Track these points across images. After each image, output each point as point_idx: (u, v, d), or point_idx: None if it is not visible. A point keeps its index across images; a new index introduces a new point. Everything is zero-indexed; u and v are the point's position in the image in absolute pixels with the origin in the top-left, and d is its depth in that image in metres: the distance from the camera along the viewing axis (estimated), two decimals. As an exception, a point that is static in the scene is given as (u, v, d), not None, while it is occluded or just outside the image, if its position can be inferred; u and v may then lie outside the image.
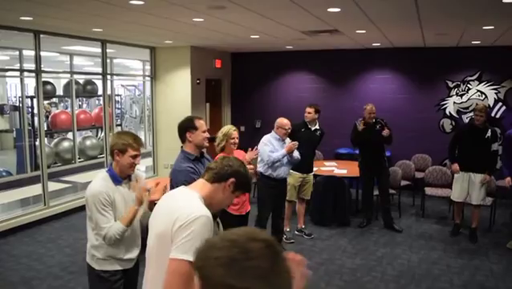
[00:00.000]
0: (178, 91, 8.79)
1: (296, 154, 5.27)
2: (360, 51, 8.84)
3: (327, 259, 5.37)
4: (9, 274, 4.92)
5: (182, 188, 2.13)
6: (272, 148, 5.20)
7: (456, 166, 5.94)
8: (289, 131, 5.33)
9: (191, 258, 1.83)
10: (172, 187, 3.20)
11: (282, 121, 5.34)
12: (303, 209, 6.23)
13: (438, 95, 8.54)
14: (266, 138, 5.31)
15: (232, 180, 2.09)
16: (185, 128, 3.40)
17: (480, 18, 5.19)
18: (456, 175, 6.05)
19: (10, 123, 10.93)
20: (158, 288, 1.88)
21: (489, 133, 5.76)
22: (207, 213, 1.93)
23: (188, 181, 3.31)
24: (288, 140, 5.38)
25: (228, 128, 4.38)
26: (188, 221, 1.86)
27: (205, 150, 3.58)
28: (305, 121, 5.92)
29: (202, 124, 3.43)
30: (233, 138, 4.33)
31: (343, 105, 9.12)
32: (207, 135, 3.46)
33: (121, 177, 2.83)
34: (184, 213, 1.89)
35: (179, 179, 3.21)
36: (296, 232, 6.19)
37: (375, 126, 6.29)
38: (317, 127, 5.95)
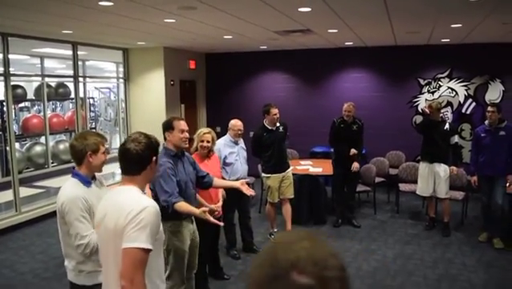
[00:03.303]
0: (152, 93, 8.71)
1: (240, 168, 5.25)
2: (334, 51, 8.91)
3: (304, 257, 5.38)
4: (-21, 283, 4.79)
5: (120, 187, 2.18)
6: (219, 153, 5.04)
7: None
8: (239, 132, 5.25)
9: (142, 245, 1.93)
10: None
11: (235, 123, 5.30)
12: (289, 212, 5.88)
13: (410, 92, 8.68)
14: (217, 143, 5.02)
15: (153, 157, 2.18)
16: (164, 127, 3.58)
17: (447, 16, 5.29)
18: (420, 169, 6.27)
19: (-21, 128, 10.62)
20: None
21: (447, 126, 6.04)
22: (154, 203, 2.06)
23: (163, 178, 3.35)
24: (242, 146, 5.34)
25: (200, 131, 4.36)
26: (137, 211, 1.96)
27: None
28: (264, 125, 5.72)
29: (180, 124, 3.53)
30: (203, 141, 4.32)
31: (317, 104, 9.18)
32: (185, 135, 3.54)
33: (89, 177, 2.73)
34: (133, 206, 1.98)
35: (160, 170, 3.31)
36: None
37: (353, 126, 6.32)
38: (278, 124, 5.75)
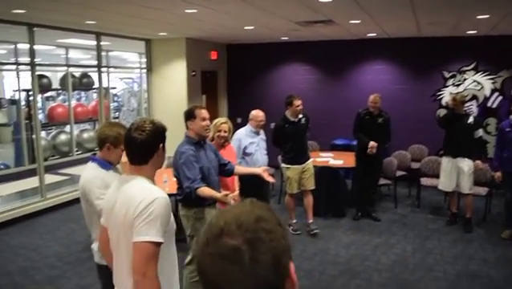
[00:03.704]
0: (174, 84, 8.78)
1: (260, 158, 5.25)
2: (355, 42, 8.80)
3: (322, 249, 5.39)
4: (6, 264, 4.96)
5: (128, 177, 2.09)
6: (239, 143, 5.11)
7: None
8: (262, 123, 5.26)
9: (153, 238, 1.87)
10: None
11: (257, 113, 5.28)
12: (310, 203, 5.92)
13: (434, 85, 8.52)
14: (238, 134, 5.16)
15: (160, 144, 2.09)
16: (186, 116, 3.66)
17: (474, 6, 5.16)
18: (443, 164, 6.10)
19: (7, 116, 10.90)
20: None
21: (471, 119, 5.86)
22: (163, 194, 1.98)
23: (186, 165, 3.43)
24: (262, 136, 5.33)
25: (217, 120, 4.39)
26: (147, 203, 1.90)
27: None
28: (286, 116, 5.71)
29: (202, 113, 3.63)
30: (220, 131, 4.36)
31: (338, 96, 9.11)
32: (207, 123, 3.67)
33: (107, 162, 2.77)
34: (142, 197, 1.92)
35: (179, 161, 3.50)
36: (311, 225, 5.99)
37: (378, 118, 6.20)
38: (300, 116, 5.73)
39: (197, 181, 3.44)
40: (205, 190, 3.43)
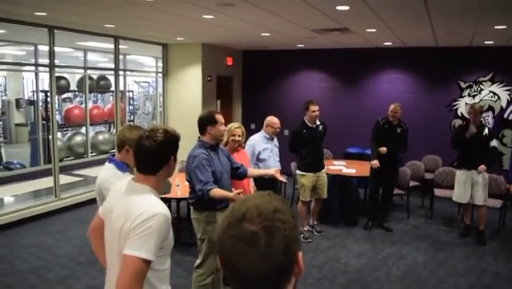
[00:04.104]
0: (190, 88, 8.84)
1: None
2: (372, 50, 8.78)
3: (332, 258, 5.36)
4: (18, 263, 5.01)
5: (131, 182, 2.00)
6: (253, 149, 5.17)
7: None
8: (277, 130, 5.30)
9: (143, 255, 1.75)
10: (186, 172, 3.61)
11: (273, 120, 5.32)
12: (318, 208, 6.15)
13: (450, 95, 8.45)
14: (252, 139, 5.21)
15: (171, 156, 1.98)
16: (206, 121, 3.66)
17: (491, 16, 5.11)
18: (457, 175, 6.01)
19: (25, 116, 11.10)
20: None
21: (486, 131, 5.77)
22: (165, 210, 1.89)
23: (198, 168, 3.46)
24: (275, 143, 5.35)
25: (231, 125, 4.43)
26: (146, 217, 1.81)
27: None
28: (304, 121, 5.74)
29: (221, 118, 3.71)
30: (234, 135, 4.41)
31: (353, 104, 9.08)
32: (225, 128, 3.81)
33: (125, 165, 2.77)
34: (143, 210, 1.83)
35: (191, 165, 3.54)
36: (308, 226, 6.17)
37: (397, 128, 6.15)
38: (317, 122, 5.79)
39: (210, 183, 3.48)
40: (216, 192, 3.47)
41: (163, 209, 1.89)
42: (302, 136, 5.70)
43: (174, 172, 2.18)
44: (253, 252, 0.89)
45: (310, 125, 5.72)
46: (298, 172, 5.88)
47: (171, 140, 1.97)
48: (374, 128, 6.26)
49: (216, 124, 3.64)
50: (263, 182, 4.73)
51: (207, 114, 3.73)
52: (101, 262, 2.23)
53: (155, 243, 1.81)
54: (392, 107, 6.13)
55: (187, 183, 3.80)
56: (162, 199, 2.03)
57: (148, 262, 1.80)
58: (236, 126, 4.48)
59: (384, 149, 6.00)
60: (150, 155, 1.93)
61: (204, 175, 3.50)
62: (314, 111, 5.64)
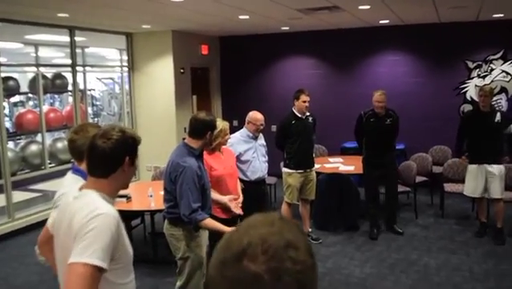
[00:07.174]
0: (160, 83, 8.79)
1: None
2: (366, 30, 8.82)
3: (332, 268, 5.36)
4: (-32, 298, 4.92)
5: (77, 192, 2.01)
6: (233, 150, 5.01)
7: (462, 160, 6.14)
8: (261, 127, 5.25)
9: (89, 260, 1.73)
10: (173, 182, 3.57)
11: (255, 115, 5.25)
12: (308, 212, 6.20)
13: (457, 77, 8.52)
14: (232, 138, 5.03)
15: (126, 158, 1.97)
16: (209, 126, 3.67)
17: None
18: (469, 167, 6.05)
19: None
20: None
21: (498, 117, 5.79)
22: (111, 210, 1.88)
23: (191, 190, 3.45)
24: (261, 142, 5.33)
25: (223, 124, 4.38)
26: (89, 218, 1.80)
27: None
28: (293, 112, 5.83)
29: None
30: (227, 134, 4.46)
31: (348, 93, 9.10)
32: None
33: None
34: (84, 213, 1.83)
35: (182, 179, 3.47)
36: (311, 234, 6.18)
37: (386, 119, 6.12)
38: (307, 113, 5.86)
39: (199, 212, 3.49)
40: (208, 223, 3.54)
41: (109, 210, 1.87)
42: (290, 128, 5.73)
43: (128, 185, 2.14)
44: None
45: (299, 116, 5.78)
46: (284, 169, 5.91)
47: (127, 140, 1.97)
48: (356, 124, 6.24)
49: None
50: (249, 185, 4.92)
51: (210, 118, 3.72)
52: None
53: (101, 247, 1.77)
54: (375, 96, 6.01)
55: (162, 192, 3.75)
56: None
57: (94, 269, 1.73)
58: (227, 124, 4.48)
59: None
60: (102, 154, 1.92)
61: (195, 198, 3.47)
62: (305, 102, 5.71)
